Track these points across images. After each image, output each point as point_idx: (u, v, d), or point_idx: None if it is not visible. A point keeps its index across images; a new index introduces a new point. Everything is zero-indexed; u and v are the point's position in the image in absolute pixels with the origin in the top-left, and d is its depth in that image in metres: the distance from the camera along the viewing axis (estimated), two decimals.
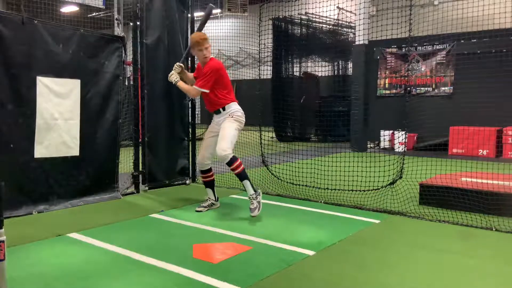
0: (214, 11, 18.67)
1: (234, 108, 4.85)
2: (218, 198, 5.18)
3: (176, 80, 4.85)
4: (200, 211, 4.98)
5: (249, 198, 4.69)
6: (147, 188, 6.01)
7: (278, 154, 6.79)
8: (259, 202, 4.67)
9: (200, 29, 5.08)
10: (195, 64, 6.75)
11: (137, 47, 5.93)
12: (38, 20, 4.87)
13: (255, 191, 4.71)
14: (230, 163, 4.66)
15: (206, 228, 4.34)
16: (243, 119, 4.88)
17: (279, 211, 5.01)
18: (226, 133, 4.70)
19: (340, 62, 14.64)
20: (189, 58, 6.52)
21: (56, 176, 5.04)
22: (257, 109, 6.72)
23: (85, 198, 5.30)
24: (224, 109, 4.83)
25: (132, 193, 5.87)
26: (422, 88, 11.52)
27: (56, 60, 4.98)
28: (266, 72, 12.33)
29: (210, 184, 5.10)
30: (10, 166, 4.63)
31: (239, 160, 4.71)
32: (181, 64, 4.99)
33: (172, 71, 4.90)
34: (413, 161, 5.95)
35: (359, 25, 10.34)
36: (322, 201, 5.43)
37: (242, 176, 4.70)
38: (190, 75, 5.18)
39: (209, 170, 5.05)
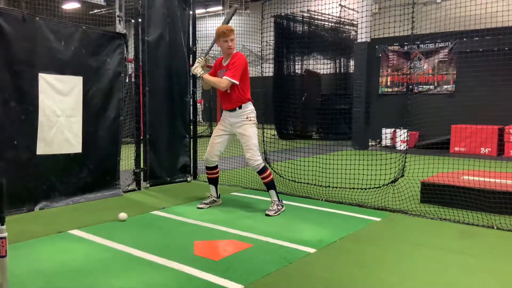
0: (215, 8, 18.62)
1: (250, 108, 4.80)
2: (220, 195, 5.19)
3: (201, 72, 4.71)
4: (202, 208, 4.99)
5: (272, 201, 4.83)
6: (148, 185, 6.02)
7: (280, 151, 6.78)
8: (279, 210, 4.79)
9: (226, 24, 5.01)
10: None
11: (138, 44, 5.93)
12: (39, 17, 4.87)
13: (279, 200, 4.87)
14: (261, 172, 4.76)
15: (207, 225, 4.35)
16: (256, 120, 4.87)
17: None
18: (253, 142, 4.71)
19: (342, 59, 14.62)
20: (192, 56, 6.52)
21: (58, 173, 5.05)
22: (259, 106, 6.71)
23: (86, 195, 5.31)
24: (240, 108, 4.75)
25: (133, 190, 5.88)
26: (424, 86, 11.51)
27: (58, 57, 4.98)
28: (268, 69, 12.33)
29: (214, 181, 5.11)
30: (12, 163, 4.63)
31: (269, 170, 4.86)
32: (204, 58, 4.89)
33: (196, 64, 4.80)
34: (415, 159, 5.95)
35: (361, 22, 10.31)
36: (323, 199, 5.43)
37: (270, 185, 4.83)
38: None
39: (215, 167, 5.05)
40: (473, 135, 9.38)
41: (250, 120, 4.76)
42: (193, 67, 4.81)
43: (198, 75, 4.75)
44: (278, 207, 4.79)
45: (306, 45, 13.58)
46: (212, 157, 4.97)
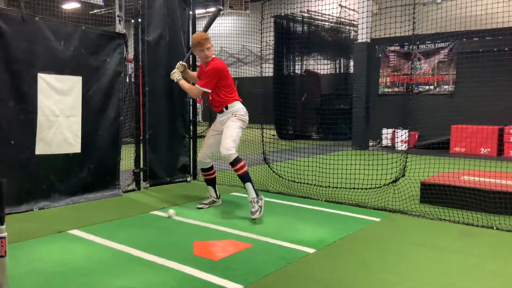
0: (215, 9, 18.60)
1: (237, 107, 4.80)
2: (219, 195, 5.19)
3: (178, 78, 4.83)
4: (201, 208, 4.99)
5: (250, 201, 4.54)
6: (148, 185, 6.02)
7: (279, 152, 6.78)
8: (260, 206, 4.51)
9: (205, 29, 5.04)
10: (197, 63, 6.75)
11: (138, 44, 5.93)
12: (39, 16, 4.87)
13: (257, 195, 4.57)
14: (233, 163, 4.57)
15: (207, 226, 4.35)
16: (246, 118, 4.83)
17: (279, 209, 5.00)
18: (230, 133, 4.65)
19: (341, 60, 14.61)
20: (191, 57, 6.50)
21: (57, 172, 5.05)
22: (258, 106, 6.71)
23: (86, 195, 5.30)
24: (227, 108, 4.79)
25: (133, 190, 5.88)
26: (424, 87, 11.51)
27: (58, 57, 4.98)
28: (268, 69, 12.33)
29: (211, 182, 5.10)
30: (11, 163, 4.63)
31: (243, 162, 4.62)
32: (184, 63, 4.98)
33: (175, 69, 4.89)
34: (415, 160, 5.95)
35: (361, 23, 10.32)
36: (323, 199, 5.43)
37: (245, 178, 4.60)
38: (193, 73, 5.17)
39: (210, 168, 5.05)
40: (473, 135, 9.38)
41: (235, 116, 4.75)
42: (172, 72, 4.88)
43: (175, 80, 4.82)
44: (259, 204, 4.50)
45: (306, 45, 13.57)
46: (205, 159, 4.97)
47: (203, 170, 5.08)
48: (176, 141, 6.38)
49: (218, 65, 4.69)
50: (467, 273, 3.24)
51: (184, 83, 4.83)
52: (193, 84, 4.93)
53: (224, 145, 4.60)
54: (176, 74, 4.85)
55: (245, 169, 4.61)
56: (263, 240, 3.88)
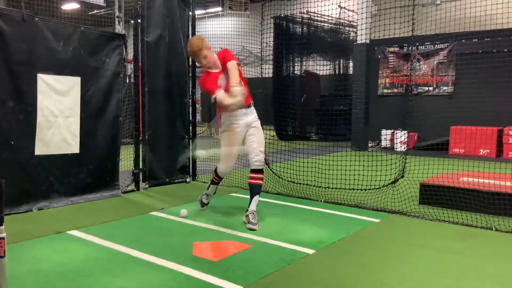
0: (215, 10, 18.58)
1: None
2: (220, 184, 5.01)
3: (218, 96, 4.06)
4: (203, 209, 4.95)
5: (252, 212, 4.32)
6: (147, 185, 6.02)
7: (279, 152, 6.78)
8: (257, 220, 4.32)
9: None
10: (196, 63, 6.75)
11: (138, 45, 5.93)
12: (39, 17, 4.88)
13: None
14: (262, 171, 4.38)
15: (206, 226, 4.34)
16: None
17: (279, 210, 5.00)
18: (263, 137, 4.43)
19: (341, 61, 14.63)
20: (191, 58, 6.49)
21: (57, 173, 5.05)
22: (258, 107, 6.70)
23: (85, 196, 5.30)
24: (250, 106, 4.40)
25: (132, 190, 5.87)
26: (423, 88, 11.52)
27: (57, 58, 4.98)
28: (268, 70, 12.35)
29: (217, 183, 5.03)
30: (10, 163, 4.63)
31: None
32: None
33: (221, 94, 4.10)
34: (414, 161, 5.95)
35: (361, 24, 10.33)
36: (322, 200, 5.43)
37: (259, 189, 4.43)
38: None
39: None
40: (472, 137, 9.39)
41: (256, 115, 4.52)
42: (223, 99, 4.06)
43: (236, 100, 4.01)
44: (257, 218, 4.33)
45: (306, 46, 13.59)
46: (230, 170, 4.75)
47: (218, 176, 4.79)
48: (175, 141, 6.38)
49: (228, 51, 4.32)
50: (466, 274, 3.25)
51: (226, 97, 4.07)
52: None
53: (262, 150, 4.39)
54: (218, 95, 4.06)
55: (262, 181, 4.49)
56: (262, 241, 3.88)
